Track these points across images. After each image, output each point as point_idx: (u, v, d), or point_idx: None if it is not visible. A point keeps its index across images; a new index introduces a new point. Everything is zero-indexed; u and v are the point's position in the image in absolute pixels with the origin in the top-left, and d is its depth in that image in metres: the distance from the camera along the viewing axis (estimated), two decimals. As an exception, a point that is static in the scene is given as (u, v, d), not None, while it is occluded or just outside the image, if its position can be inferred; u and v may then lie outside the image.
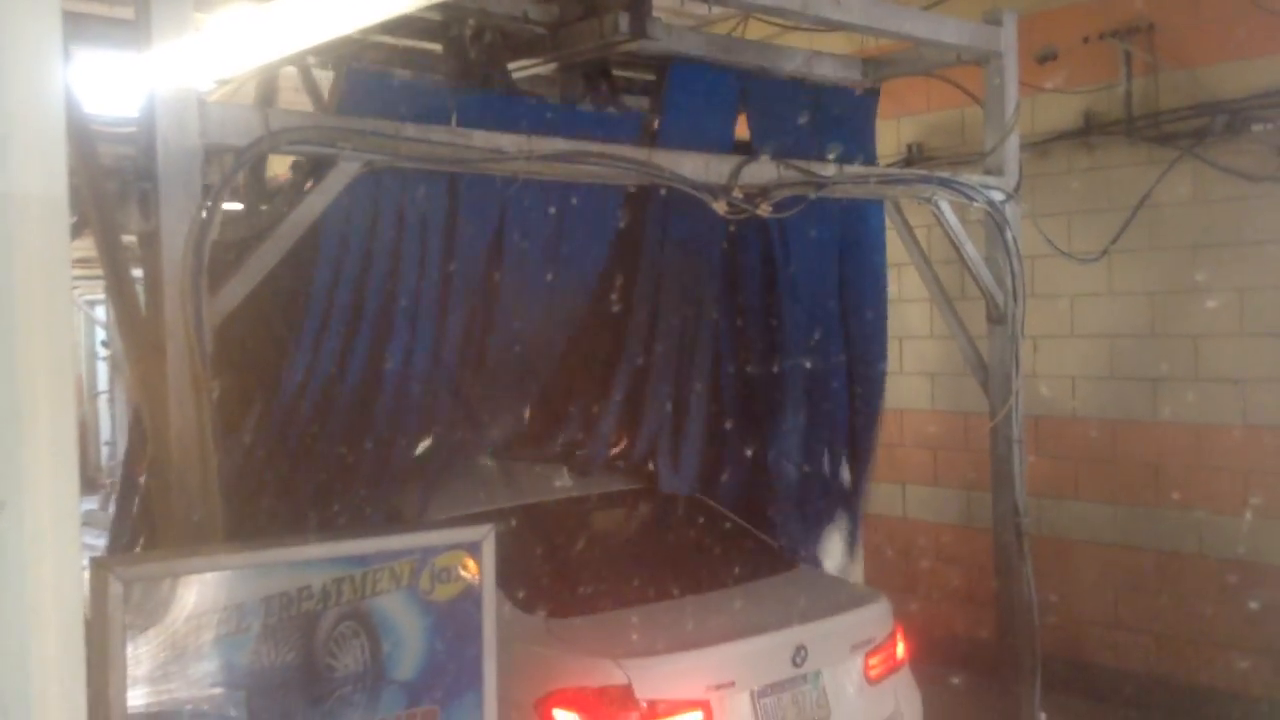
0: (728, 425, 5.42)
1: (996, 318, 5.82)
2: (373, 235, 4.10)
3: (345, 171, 3.83)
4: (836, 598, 4.68)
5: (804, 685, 4.23)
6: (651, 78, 5.46)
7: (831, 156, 5.33)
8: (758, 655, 4.17)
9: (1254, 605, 6.03)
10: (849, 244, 5.69)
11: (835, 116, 5.60)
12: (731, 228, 5.11)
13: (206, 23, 4.19)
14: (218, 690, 2.87)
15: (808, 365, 5.48)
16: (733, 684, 4.04)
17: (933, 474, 7.55)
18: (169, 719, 2.83)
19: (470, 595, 3.29)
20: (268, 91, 5.17)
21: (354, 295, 4.09)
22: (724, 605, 4.47)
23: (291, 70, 5.21)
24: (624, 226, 4.89)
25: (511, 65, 5.04)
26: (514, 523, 4.44)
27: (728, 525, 5.16)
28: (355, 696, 3.09)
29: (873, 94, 5.95)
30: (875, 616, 4.59)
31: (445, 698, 3.24)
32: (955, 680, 5.77)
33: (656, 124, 5.06)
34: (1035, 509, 6.12)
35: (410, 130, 3.94)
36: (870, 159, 5.72)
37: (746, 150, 5.17)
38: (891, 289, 7.69)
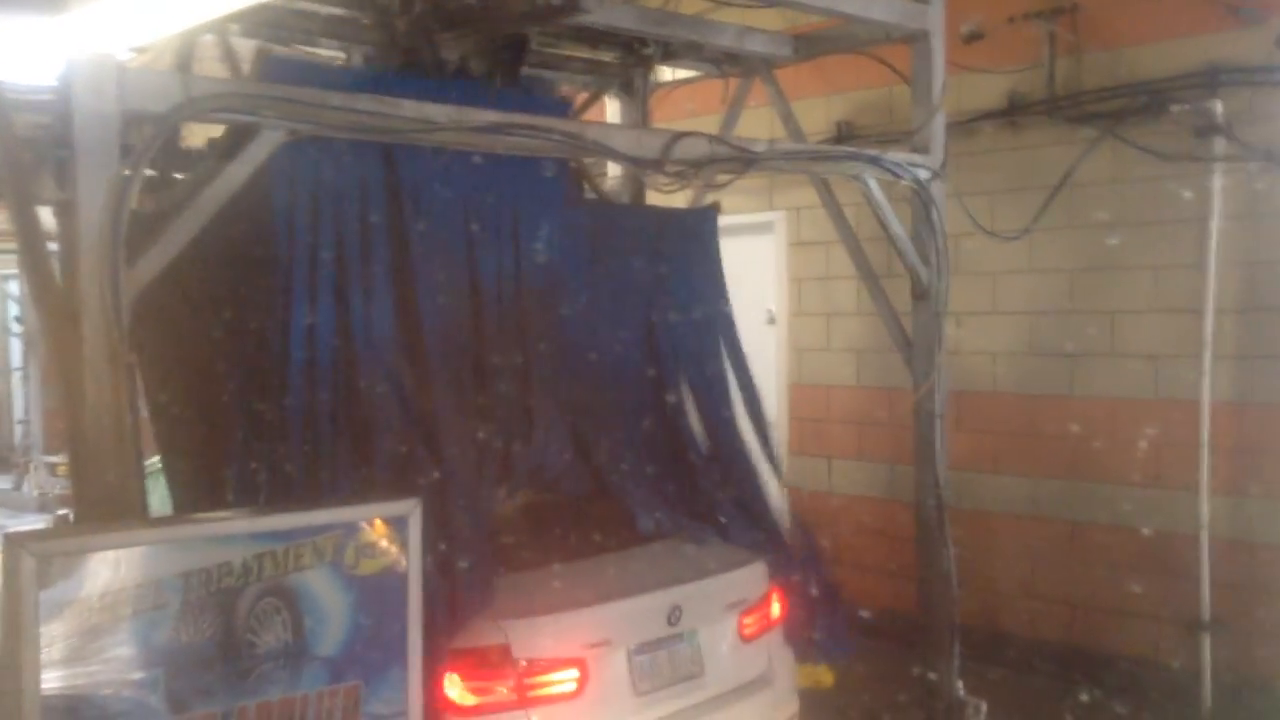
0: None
1: (921, 294, 5.89)
2: (303, 206, 4.06)
3: (268, 140, 3.75)
4: (713, 560, 4.80)
5: (679, 643, 4.41)
6: (582, 55, 5.35)
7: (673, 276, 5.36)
8: (633, 615, 4.32)
9: (1166, 574, 6.21)
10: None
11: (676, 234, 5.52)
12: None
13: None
14: (134, 670, 2.83)
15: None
16: (609, 642, 4.19)
17: (857, 448, 7.65)
18: (84, 701, 2.78)
19: (395, 570, 3.28)
20: (184, 59, 5.04)
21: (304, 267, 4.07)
22: (603, 569, 4.58)
23: (210, 39, 5.09)
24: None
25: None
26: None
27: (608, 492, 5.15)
28: (277, 673, 3.07)
29: (711, 209, 5.83)
30: (750, 578, 4.76)
31: (369, 673, 3.23)
32: (877, 651, 5.88)
33: None
34: (956, 482, 6.22)
35: (336, 99, 3.87)
36: (717, 274, 5.64)
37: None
38: (820, 266, 7.82)
